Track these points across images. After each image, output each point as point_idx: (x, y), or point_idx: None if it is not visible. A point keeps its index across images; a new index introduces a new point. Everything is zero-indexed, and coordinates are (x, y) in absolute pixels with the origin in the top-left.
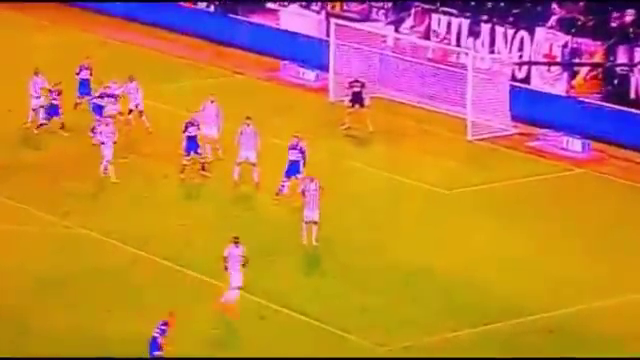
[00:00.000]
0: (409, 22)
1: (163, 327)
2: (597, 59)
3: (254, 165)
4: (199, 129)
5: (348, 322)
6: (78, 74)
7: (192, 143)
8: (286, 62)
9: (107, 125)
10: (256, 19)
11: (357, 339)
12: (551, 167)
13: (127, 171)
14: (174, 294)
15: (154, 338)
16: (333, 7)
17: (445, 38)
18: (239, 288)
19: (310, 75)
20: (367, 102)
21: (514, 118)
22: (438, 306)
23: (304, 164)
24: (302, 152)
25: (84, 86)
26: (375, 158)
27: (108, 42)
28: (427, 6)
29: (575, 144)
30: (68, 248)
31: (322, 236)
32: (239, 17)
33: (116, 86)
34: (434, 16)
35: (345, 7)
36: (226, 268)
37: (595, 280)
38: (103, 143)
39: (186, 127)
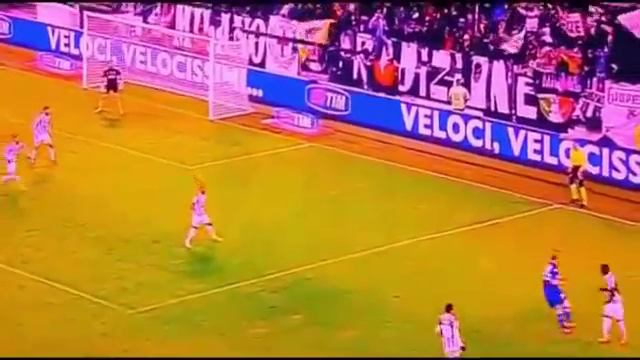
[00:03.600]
0: (156, 13)
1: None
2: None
3: (51, 146)
4: None
5: (101, 288)
6: None
7: None
8: (42, 53)
9: None
10: (15, 13)
11: (108, 304)
12: (284, 142)
13: None
14: None
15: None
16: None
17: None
18: None
19: (65, 64)
20: (120, 87)
21: (251, 99)
22: (179, 270)
23: None
24: None
25: None
26: (126, 139)
27: None
28: None
29: (305, 121)
30: None
31: (81, 205)
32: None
33: None
34: (179, 7)
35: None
36: None
37: (324, 242)
38: None
39: None
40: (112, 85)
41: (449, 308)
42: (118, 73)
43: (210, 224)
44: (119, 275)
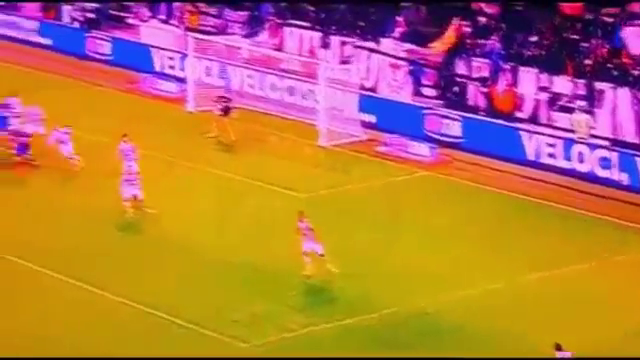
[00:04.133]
0: (264, 35)
1: None
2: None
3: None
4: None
5: (210, 320)
6: None
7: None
8: (145, 75)
9: None
10: (118, 34)
11: (218, 336)
12: (398, 170)
13: None
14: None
15: None
16: (191, 22)
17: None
18: None
19: (169, 87)
20: (232, 113)
21: (363, 125)
22: (292, 302)
23: None
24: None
25: None
26: (233, 164)
27: None
28: (280, 20)
29: (420, 148)
30: None
31: (183, 234)
32: (103, 33)
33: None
34: (287, 29)
35: (202, 21)
36: None
37: (440, 275)
38: None
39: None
40: (224, 111)
41: (558, 347)
42: (229, 100)
43: (323, 254)
44: (232, 307)
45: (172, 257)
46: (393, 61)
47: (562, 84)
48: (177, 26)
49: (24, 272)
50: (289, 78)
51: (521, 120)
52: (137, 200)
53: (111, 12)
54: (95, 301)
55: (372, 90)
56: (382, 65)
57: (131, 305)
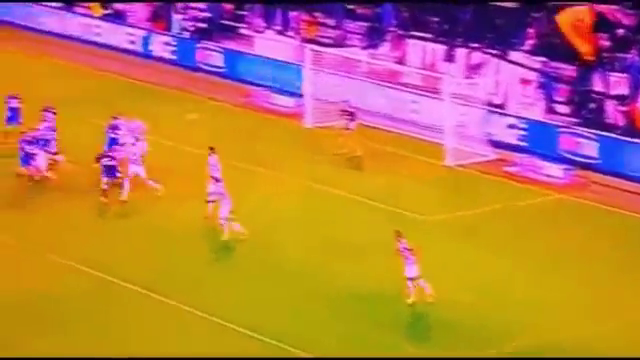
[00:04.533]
0: (384, 47)
1: None
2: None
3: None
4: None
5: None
6: (7, 103)
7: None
8: (260, 88)
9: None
10: (230, 45)
11: None
12: (529, 192)
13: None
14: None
15: None
16: (308, 32)
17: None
18: None
19: (285, 101)
20: (354, 128)
21: (491, 143)
22: (422, 334)
23: None
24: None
25: (14, 115)
26: (350, 183)
27: (62, 65)
28: (402, 32)
29: (553, 169)
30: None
31: (303, 260)
32: (214, 43)
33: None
34: (409, 41)
35: (320, 32)
36: None
37: (578, 305)
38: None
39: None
40: (348, 126)
41: None
42: (353, 114)
43: (415, 277)
44: (338, 332)
45: (283, 281)
46: (523, 76)
47: None
48: (293, 37)
49: (128, 295)
50: (411, 93)
51: None
52: (224, 218)
53: (223, 22)
54: (199, 324)
55: (501, 107)
56: (511, 80)
57: (236, 329)
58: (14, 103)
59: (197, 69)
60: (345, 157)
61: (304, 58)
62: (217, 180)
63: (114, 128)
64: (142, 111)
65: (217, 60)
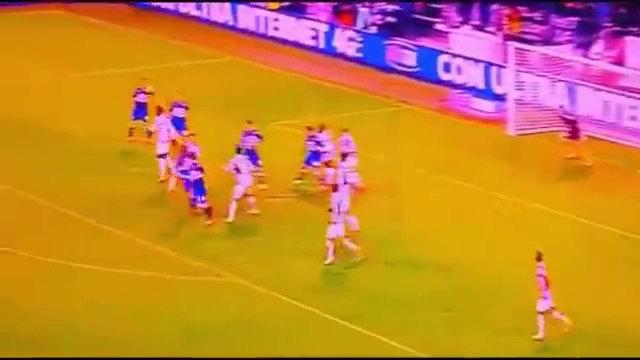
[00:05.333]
0: (598, 46)
1: None
2: None
3: None
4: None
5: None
6: (135, 97)
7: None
8: (458, 91)
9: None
10: (423, 42)
11: None
12: None
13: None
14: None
15: None
16: (511, 28)
17: None
18: None
19: (485, 105)
20: (581, 136)
21: None
22: None
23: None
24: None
25: (140, 110)
26: (558, 199)
27: (247, 63)
28: (619, 28)
29: None
30: (218, 296)
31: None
32: (405, 40)
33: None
34: (628, 39)
35: (524, 28)
36: None
37: None
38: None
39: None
40: (572, 134)
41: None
42: (575, 121)
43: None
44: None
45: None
46: None
47: None
48: (494, 33)
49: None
50: (631, 97)
51: None
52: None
53: (415, 16)
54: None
55: None
56: None
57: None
58: (142, 98)
59: (386, 68)
60: (578, 164)
61: (506, 57)
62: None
63: (316, 139)
64: (328, 115)
65: (409, 59)
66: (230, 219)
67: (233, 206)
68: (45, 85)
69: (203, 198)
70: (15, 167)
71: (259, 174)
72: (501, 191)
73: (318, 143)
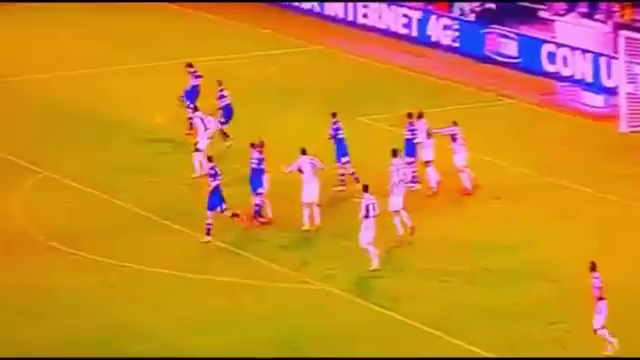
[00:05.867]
0: None
1: None
2: None
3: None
4: None
5: None
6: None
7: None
8: (563, 84)
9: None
10: (526, 31)
11: None
12: None
13: None
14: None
15: None
16: (622, 16)
17: None
18: None
19: (595, 100)
20: None
21: None
22: None
23: None
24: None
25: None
26: None
27: (333, 53)
28: None
29: None
30: (307, 305)
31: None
32: (505, 28)
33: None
34: None
35: (638, 16)
36: None
37: None
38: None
39: None
40: None
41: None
42: None
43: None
44: None
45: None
46: None
47: None
48: (603, 22)
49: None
50: None
51: None
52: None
53: (517, 3)
54: None
55: None
56: None
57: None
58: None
59: (484, 59)
60: None
61: (617, 47)
62: None
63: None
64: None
65: (511, 49)
66: (306, 227)
67: (306, 212)
68: (128, 73)
69: (224, 206)
70: (94, 167)
71: (342, 171)
72: (613, 193)
73: (412, 132)
